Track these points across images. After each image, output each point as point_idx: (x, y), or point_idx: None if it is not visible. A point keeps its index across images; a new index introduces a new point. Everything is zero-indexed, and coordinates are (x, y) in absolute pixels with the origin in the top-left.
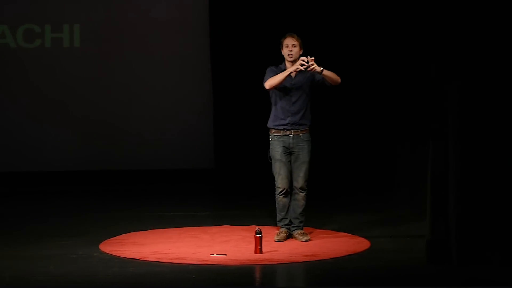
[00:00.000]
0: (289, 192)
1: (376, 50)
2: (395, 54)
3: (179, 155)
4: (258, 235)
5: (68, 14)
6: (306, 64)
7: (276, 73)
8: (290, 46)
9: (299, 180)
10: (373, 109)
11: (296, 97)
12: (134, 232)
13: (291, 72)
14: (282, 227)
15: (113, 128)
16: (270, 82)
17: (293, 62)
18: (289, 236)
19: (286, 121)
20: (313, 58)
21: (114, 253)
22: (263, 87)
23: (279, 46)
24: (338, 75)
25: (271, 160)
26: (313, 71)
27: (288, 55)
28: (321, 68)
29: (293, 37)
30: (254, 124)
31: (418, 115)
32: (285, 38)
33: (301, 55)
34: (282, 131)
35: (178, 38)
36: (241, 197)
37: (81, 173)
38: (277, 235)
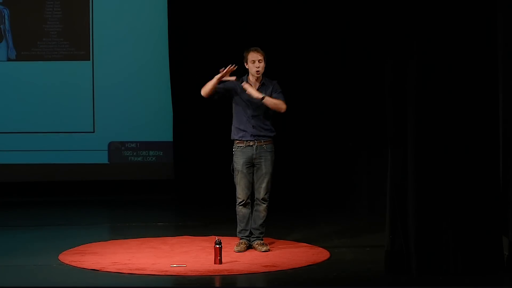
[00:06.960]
0: (249, 203)
1: (332, 61)
2: (351, 63)
3: (138, 165)
4: (217, 246)
5: (27, 21)
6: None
7: (235, 85)
8: (257, 62)
9: (261, 191)
10: (334, 121)
11: (253, 110)
12: (94, 243)
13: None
14: (242, 239)
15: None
16: (203, 89)
17: (259, 77)
18: (249, 247)
19: (247, 133)
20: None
21: (73, 264)
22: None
23: (242, 59)
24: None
25: (233, 173)
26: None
27: (256, 71)
28: (262, 95)
29: (258, 52)
30: (214, 134)
31: (377, 125)
32: (249, 52)
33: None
34: (245, 142)
35: (137, 47)
36: (201, 208)
37: (41, 184)
38: (237, 246)
